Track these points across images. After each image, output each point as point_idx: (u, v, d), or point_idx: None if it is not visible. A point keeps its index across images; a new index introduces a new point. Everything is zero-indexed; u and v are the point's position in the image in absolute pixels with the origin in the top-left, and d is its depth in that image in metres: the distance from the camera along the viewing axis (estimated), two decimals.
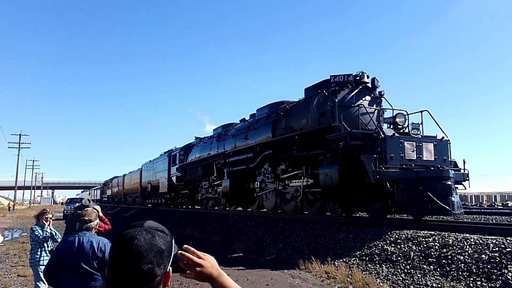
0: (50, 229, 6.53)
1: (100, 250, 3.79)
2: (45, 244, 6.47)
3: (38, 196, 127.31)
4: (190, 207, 26.73)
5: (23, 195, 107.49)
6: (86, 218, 4.10)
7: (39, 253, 6.44)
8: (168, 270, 1.28)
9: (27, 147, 63.86)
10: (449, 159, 11.32)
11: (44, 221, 6.51)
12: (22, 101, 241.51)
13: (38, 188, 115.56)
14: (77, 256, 3.74)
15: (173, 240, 1.32)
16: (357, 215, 13.77)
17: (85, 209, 4.42)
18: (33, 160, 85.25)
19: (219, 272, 1.36)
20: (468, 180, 11.20)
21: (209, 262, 1.35)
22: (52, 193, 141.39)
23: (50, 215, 6.65)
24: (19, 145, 60.48)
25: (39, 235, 6.40)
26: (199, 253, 1.36)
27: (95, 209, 6.24)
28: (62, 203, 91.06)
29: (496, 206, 33.24)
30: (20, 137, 60.76)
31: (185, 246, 1.36)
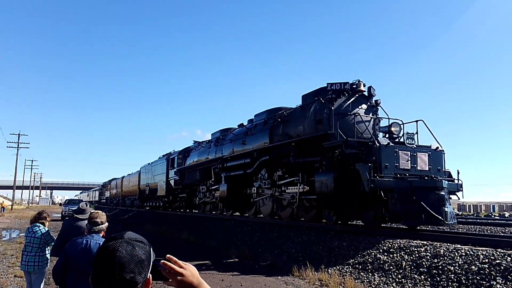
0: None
1: None
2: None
3: (36, 196, 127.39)
4: (187, 211, 26.78)
5: (21, 195, 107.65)
6: (97, 220, 4.02)
7: (47, 252, 6.28)
8: (148, 277, 1.39)
9: (26, 147, 63.94)
10: (443, 169, 11.43)
11: (45, 221, 6.39)
12: (21, 100, 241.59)
13: (37, 188, 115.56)
14: (82, 258, 3.69)
15: (151, 249, 1.43)
16: (352, 223, 13.86)
17: (96, 211, 4.32)
18: (32, 160, 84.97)
19: (199, 281, 1.45)
20: (462, 190, 11.30)
21: (190, 271, 1.45)
22: (51, 193, 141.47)
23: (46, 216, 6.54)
24: (18, 145, 60.48)
25: (45, 232, 6.22)
26: (180, 262, 1.46)
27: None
28: (60, 204, 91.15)
29: (493, 216, 33.36)
30: (19, 136, 60.70)
31: (168, 255, 1.46)
